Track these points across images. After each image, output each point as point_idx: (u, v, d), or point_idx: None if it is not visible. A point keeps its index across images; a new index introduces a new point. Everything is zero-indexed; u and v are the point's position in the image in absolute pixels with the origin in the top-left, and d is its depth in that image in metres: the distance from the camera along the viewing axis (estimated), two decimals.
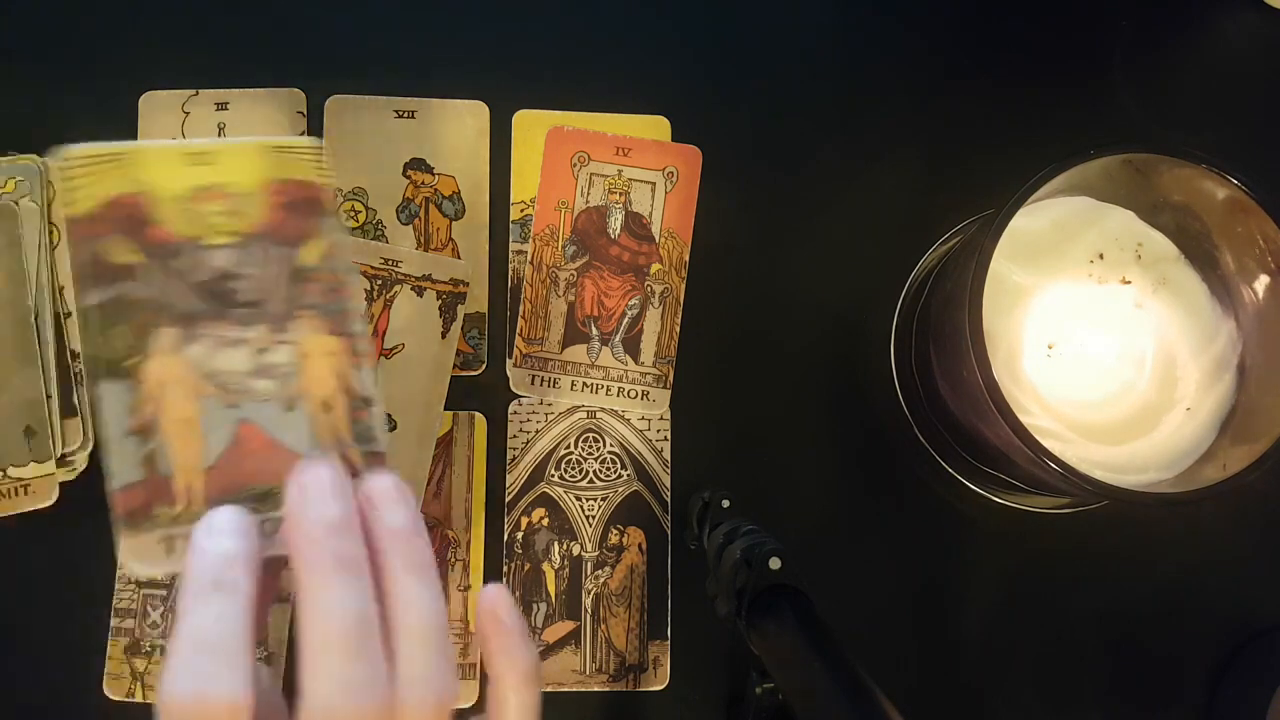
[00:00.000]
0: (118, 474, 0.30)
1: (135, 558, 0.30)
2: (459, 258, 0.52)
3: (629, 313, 0.53)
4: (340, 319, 0.32)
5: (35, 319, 0.48)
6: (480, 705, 0.49)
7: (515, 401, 0.52)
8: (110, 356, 0.30)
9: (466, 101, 0.53)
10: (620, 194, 0.53)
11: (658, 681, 0.51)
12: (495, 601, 0.32)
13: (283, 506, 0.30)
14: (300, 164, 0.32)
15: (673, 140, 0.54)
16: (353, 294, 0.32)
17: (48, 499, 0.48)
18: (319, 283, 0.32)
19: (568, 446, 0.52)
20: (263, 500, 0.30)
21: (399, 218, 0.52)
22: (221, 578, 0.28)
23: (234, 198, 0.31)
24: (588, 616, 0.51)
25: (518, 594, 0.51)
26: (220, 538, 0.28)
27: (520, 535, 0.51)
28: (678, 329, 0.53)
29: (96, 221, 0.30)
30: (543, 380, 0.52)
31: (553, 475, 0.52)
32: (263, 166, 0.32)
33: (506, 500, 0.51)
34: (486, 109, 0.53)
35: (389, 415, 0.50)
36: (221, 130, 0.52)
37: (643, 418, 0.52)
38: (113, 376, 0.30)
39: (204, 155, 0.31)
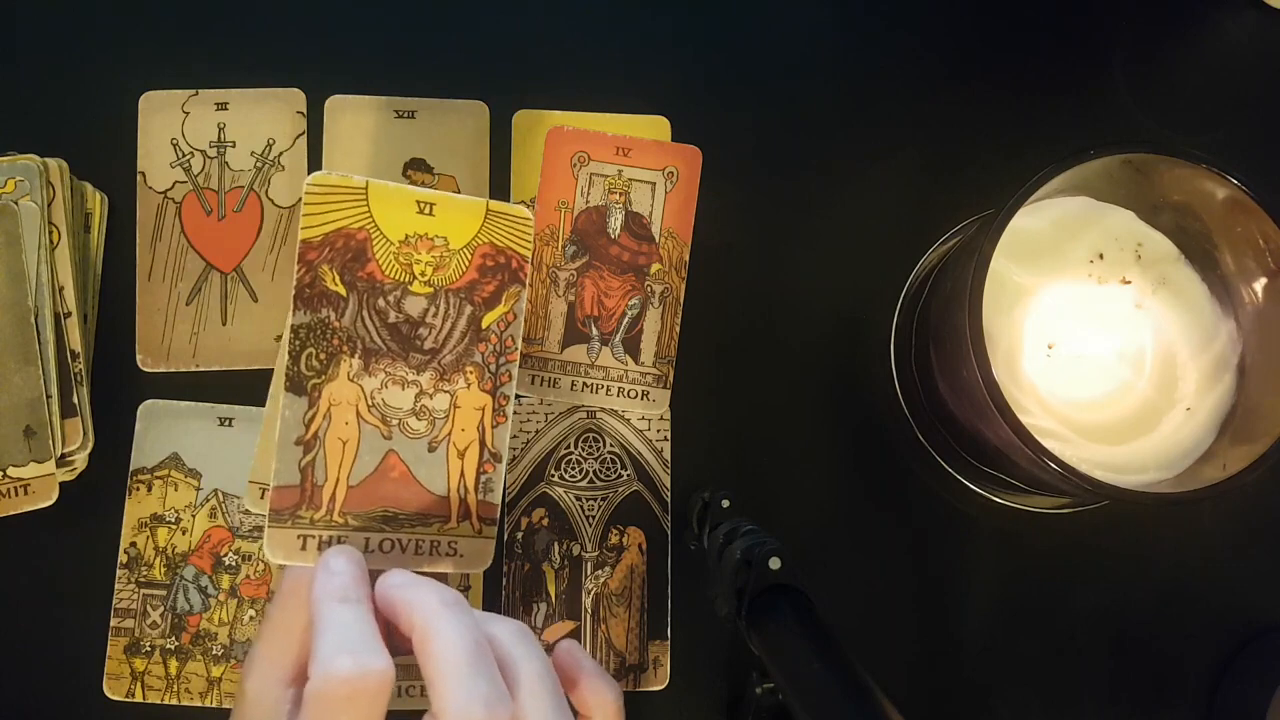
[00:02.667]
0: (279, 474, 0.33)
1: (275, 547, 0.33)
2: None
3: (629, 313, 0.53)
4: (496, 379, 0.35)
5: (35, 319, 0.48)
6: None
7: (515, 401, 0.52)
8: (299, 373, 0.33)
9: (466, 101, 0.53)
10: (620, 194, 0.53)
11: (658, 681, 0.51)
12: (570, 649, 0.37)
13: (402, 529, 0.34)
14: (510, 231, 0.35)
15: (673, 140, 0.54)
16: (515, 356, 0.35)
17: (48, 499, 0.48)
18: (491, 344, 0.35)
19: (568, 446, 0.52)
20: (387, 522, 0.34)
21: None
22: (346, 593, 0.32)
23: (443, 250, 0.34)
24: (588, 616, 0.51)
25: (518, 594, 0.51)
26: (339, 564, 0.33)
27: (520, 535, 0.51)
28: (678, 329, 0.53)
29: (324, 247, 0.33)
30: (543, 380, 0.52)
31: (553, 475, 0.52)
32: (476, 226, 0.35)
33: (506, 500, 0.51)
34: (486, 109, 0.53)
35: None
36: (221, 130, 0.52)
37: (643, 418, 0.52)
38: (296, 391, 0.33)
39: (430, 204, 0.34)
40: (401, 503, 0.34)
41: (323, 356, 0.34)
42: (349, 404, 0.34)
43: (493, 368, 0.35)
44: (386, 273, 0.34)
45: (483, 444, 0.36)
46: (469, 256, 0.35)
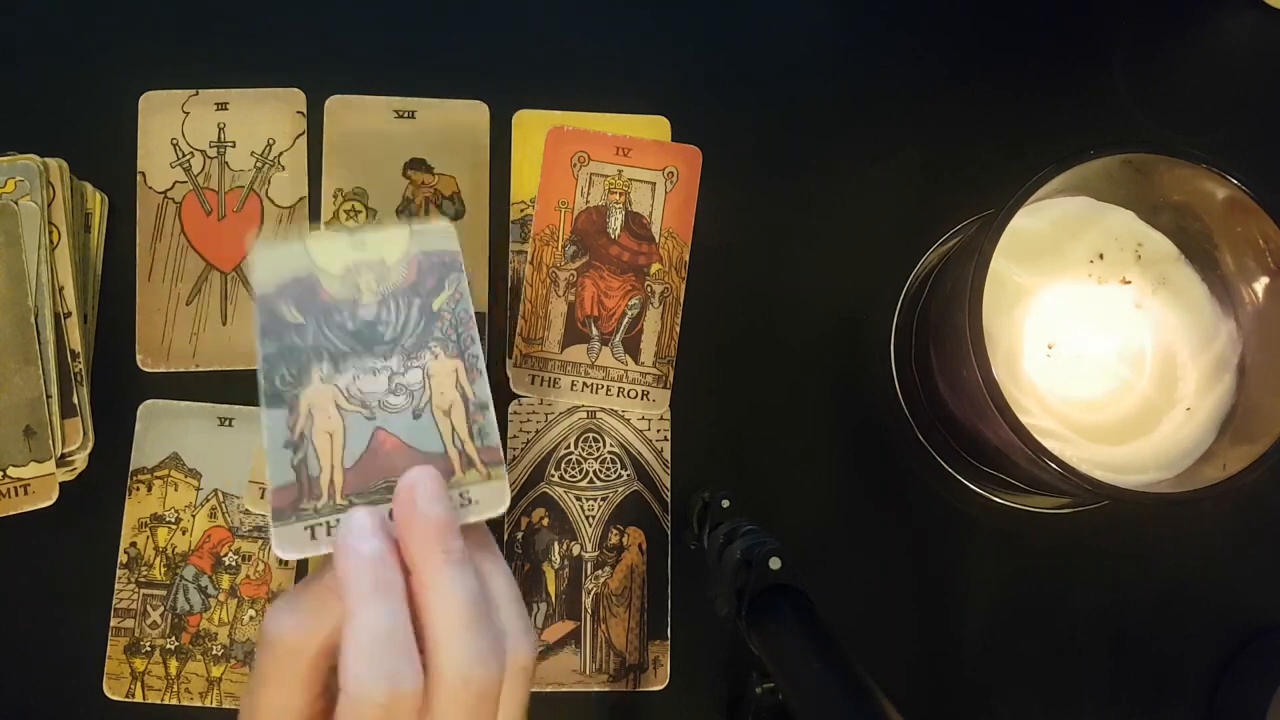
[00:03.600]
0: (274, 477, 0.35)
1: (284, 543, 0.35)
2: None
3: (629, 313, 0.53)
4: (460, 345, 0.38)
5: (35, 319, 0.48)
6: None
7: (515, 401, 0.52)
8: (275, 389, 0.36)
9: (466, 101, 0.53)
10: (620, 194, 0.53)
11: (658, 681, 0.51)
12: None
13: None
14: (436, 239, 0.39)
15: (673, 140, 0.54)
16: (473, 326, 0.38)
17: (48, 499, 0.48)
18: (445, 319, 0.38)
19: (568, 446, 0.52)
20: (390, 490, 0.35)
21: (399, 218, 0.52)
22: (378, 577, 0.32)
23: (382, 267, 0.39)
24: (588, 616, 0.51)
25: None
26: (365, 539, 0.33)
27: (520, 535, 0.51)
28: (678, 329, 0.53)
29: (277, 295, 0.37)
30: (543, 380, 0.52)
31: (553, 475, 0.52)
32: (405, 244, 0.39)
33: None
34: (486, 109, 0.53)
35: None
36: (221, 130, 0.52)
37: (643, 418, 0.52)
38: (274, 404, 0.36)
39: (360, 242, 0.39)
40: (401, 470, 0.35)
41: (294, 370, 0.36)
42: (327, 401, 0.37)
43: (454, 338, 0.38)
44: (336, 297, 0.38)
45: (465, 399, 0.37)
46: (405, 265, 0.39)
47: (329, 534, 0.35)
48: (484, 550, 0.36)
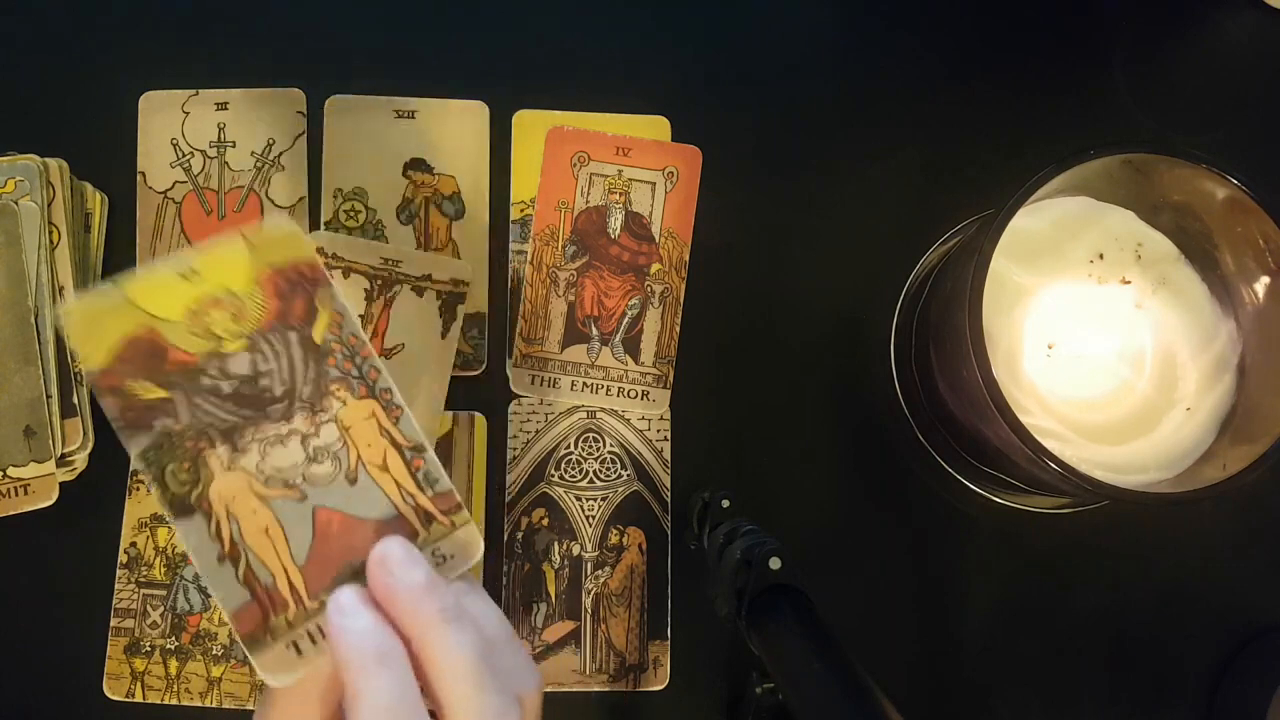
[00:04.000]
0: (224, 601, 0.31)
1: (271, 671, 0.31)
2: (459, 258, 0.52)
3: (629, 313, 0.53)
4: (366, 380, 0.33)
5: (35, 319, 0.48)
6: None
7: (515, 401, 0.52)
8: (174, 495, 0.31)
9: (466, 101, 0.53)
10: (620, 194, 0.53)
11: (658, 681, 0.51)
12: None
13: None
14: (278, 247, 0.32)
15: (673, 140, 0.54)
16: (369, 350, 0.33)
17: (48, 499, 0.48)
18: (337, 352, 0.32)
19: (568, 446, 0.52)
20: (359, 574, 0.32)
21: (399, 218, 0.52)
22: (379, 648, 0.30)
23: (232, 299, 0.32)
24: (588, 616, 0.51)
25: (518, 594, 0.51)
26: (356, 615, 0.30)
27: (520, 535, 0.51)
28: (678, 329, 0.53)
29: (116, 367, 0.30)
30: (543, 380, 0.52)
31: (553, 475, 0.52)
32: (246, 261, 0.32)
33: (506, 500, 0.51)
34: (486, 109, 0.53)
35: None
36: (221, 130, 0.52)
37: (643, 418, 0.52)
38: (184, 514, 0.31)
39: (191, 270, 0.31)
40: (360, 549, 0.31)
41: (187, 465, 0.31)
42: (244, 493, 0.31)
43: (354, 372, 0.33)
44: (192, 351, 0.31)
45: (397, 445, 0.33)
46: (259, 291, 0.32)
47: (313, 643, 0.31)
48: (470, 593, 0.34)
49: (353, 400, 0.32)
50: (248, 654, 0.31)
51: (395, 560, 0.31)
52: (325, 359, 0.32)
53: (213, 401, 0.31)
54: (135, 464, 0.31)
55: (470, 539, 0.33)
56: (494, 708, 0.31)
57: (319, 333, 0.32)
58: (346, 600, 0.31)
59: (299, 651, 0.31)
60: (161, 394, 0.31)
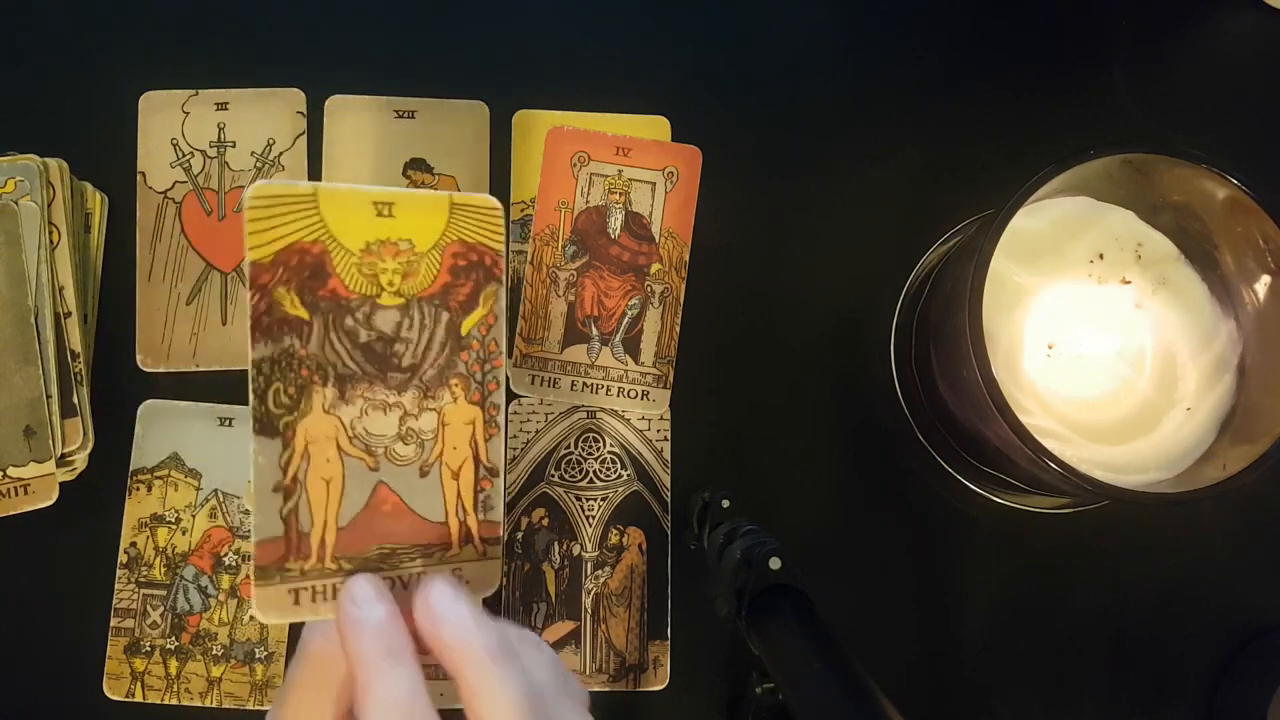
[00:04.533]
0: (258, 528, 0.30)
1: (265, 606, 0.31)
2: None
3: (629, 313, 0.53)
4: (484, 389, 0.33)
5: (35, 319, 0.48)
6: None
7: (515, 401, 0.52)
8: (268, 412, 0.30)
9: (466, 101, 0.53)
10: (620, 194, 0.53)
11: (658, 681, 0.51)
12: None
13: (401, 565, 0.32)
14: (479, 225, 0.32)
15: (673, 140, 0.54)
16: (501, 362, 0.33)
17: (48, 499, 0.48)
18: (474, 351, 0.32)
19: (568, 446, 0.52)
20: (385, 560, 0.31)
21: None
22: (391, 644, 0.29)
23: (409, 254, 0.31)
24: (588, 616, 0.51)
25: (518, 594, 0.51)
26: (370, 606, 0.30)
27: (520, 535, 0.51)
28: (678, 329, 0.53)
29: (274, 267, 0.30)
30: (543, 380, 0.52)
31: (553, 475, 0.52)
32: (442, 223, 0.32)
33: (506, 500, 0.51)
34: (486, 109, 0.53)
35: None
36: (221, 130, 0.52)
37: (643, 418, 0.52)
38: (266, 434, 0.30)
39: (388, 204, 0.31)
40: (398, 537, 0.31)
41: (292, 391, 0.30)
42: (328, 439, 0.31)
43: (479, 376, 0.32)
44: (351, 287, 0.31)
45: (477, 460, 0.33)
46: (439, 258, 0.32)
47: (313, 600, 0.31)
48: (525, 641, 0.33)
49: (463, 401, 0.32)
50: (252, 582, 0.30)
51: (445, 594, 0.31)
52: (460, 352, 0.32)
53: (345, 344, 0.31)
54: (249, 368, 0.30)
55: (490, 574, 0.33)
56: None
57: (469, 324, 0.32)
58: (360, 591, 0.30)
59: (297, 601, 0.31)
60: (303, 314, 0.30)
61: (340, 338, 0.31)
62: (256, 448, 0.30)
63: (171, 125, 0.52)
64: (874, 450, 0.53)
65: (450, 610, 0.30)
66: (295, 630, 0.50)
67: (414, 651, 0.30)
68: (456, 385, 0.32)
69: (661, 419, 0.52)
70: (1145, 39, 0.57)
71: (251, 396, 0.30)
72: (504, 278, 0.33)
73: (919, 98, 0.55)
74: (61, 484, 0.48)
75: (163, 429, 0.50)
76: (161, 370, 0.51)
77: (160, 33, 0.53)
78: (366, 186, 0.31)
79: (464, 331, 0.32)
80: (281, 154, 0.53)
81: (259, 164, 0.52)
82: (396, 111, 0.53)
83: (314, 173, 0.53)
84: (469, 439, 0.33)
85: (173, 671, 0.49)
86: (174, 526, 0.50)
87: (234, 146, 0.53)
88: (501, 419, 0.33)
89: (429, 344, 0.32)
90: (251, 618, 0.50)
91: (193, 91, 0.53)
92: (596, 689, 0.51)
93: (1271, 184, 0.42)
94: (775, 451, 0.53)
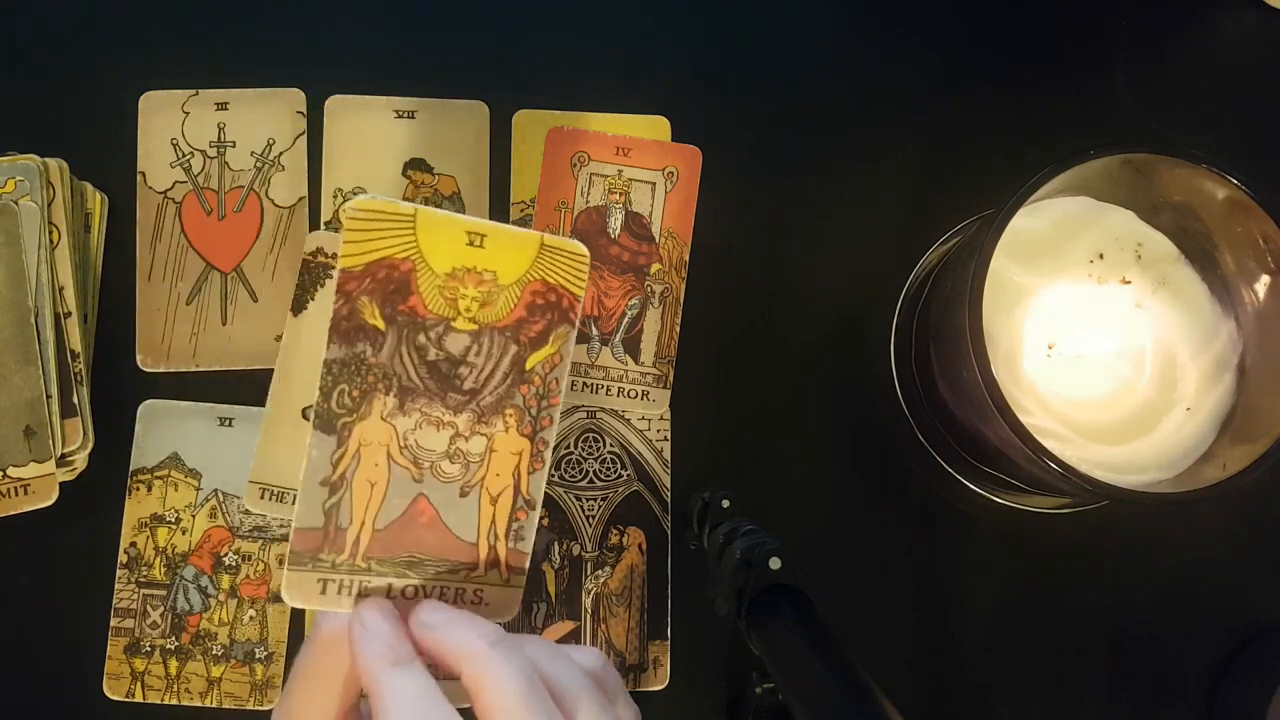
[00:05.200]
0: (300, 516, 0.32)
1: (293, 590, 0.32)
2: None
3: (629, 313, 0.53)
4: (537, 424, 0.34)
5: (35, 319, 0.48)
6: None
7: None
8: (330, 411, 0.32)
9: (466, 101, 0.53)
10: (620, 194, 0.53)
11: (658, 681, 0.51)
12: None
13: (427, 576, 0.33)
14: (564, 268, 0.34)
15: (673, 140, 0.54)
16: (557, 401, 0.34)
17: (48, 499, 0.48)
18: (534, 386, 0.34)
19: (568, 446, 0.52)
20: (412, 567, 0.33)
21: None
22: (397, 653, 0.31)
23: (491, 285, 0.33)
24: (588, 616, 0.51)
25: None
26: (378, 625, 0.31)
27: None
28: (678, 329, 0.53)
29: (364, 278, 0.31)
30: None
31: (553, 475, 0.52)
32: (528, 261, 0.33)
33: None
34: (486, 109, 0.53)
35: None
36: (221, 130, 0.52)
37: (643, 418, 0.52)
38: (325, 430, 0.32)
39: (481, 235, 0.32)
40: (428, 549, 0.33)
41: (356, 394, 0.32)
42: (380, 445, 0.32)
43: (534, 411, 0.34)
44: (430, 307, 0.32)
45: (517, 490, 0.34)
46: (518, 293, 0.33)
47: (338, 592, 0.32)
48: (532, 640, 0.33)
49: (515, 432, 0.33)
50: (286, 565, 0.32)
51: (436, 606, 0.32)
52: (521, 385, 0.33)
53: (413, 359, 0.32)
54: (322, 366, 0.31)
55: (510, 601, 0.34)
56: None
57: (534, 360, 0.33)
58: (369, 616, 0.31)
59: (324, 590, 0.32)
60: (380, 325, 0.32)
61: (410, 352, 0.32)
62: (313, 441, 0.32)
63: (171, 125, 0.52)
64: (874, 450, 0.53)
65: (440, 615, 0.32)
66: (295, 631, 0.50)
67: (418, 660, 0.31)
68: (511, 415, 0.33)
69: (661, 419, 0.52)
70: (1145, 39, 0.57)
71: (317, 393, 0.32)
72: (577, 322, 0.34)
73: (919, 98, 0.55)
74: (61, 484, 0.48)
75: (163, 429, 0.50)
76: (161, 370, 0.51)
77: (160, 33, 0.53)
78: (465, 216, 0.33)
79: (528, 366, 0.33)
80: (282, 154, 0.53)
81: (259, 164, 0.52)
82: (396, 111, 0.53)
83: (314, 173, 0.53)
84: (513, 469, 0.34)
85: (173, 671, 0.49)
86: (174, 526, 0.50)
87: (234, 146, 0.53)
88: (549, 455, 0.34)
89: (492, 372, 0.33)
90: (251, 618, 0.50)
91: (193, 91, 0.53)
92: None
93: (1271, 184, 0.42)
94: (775, 451, 0.53)
